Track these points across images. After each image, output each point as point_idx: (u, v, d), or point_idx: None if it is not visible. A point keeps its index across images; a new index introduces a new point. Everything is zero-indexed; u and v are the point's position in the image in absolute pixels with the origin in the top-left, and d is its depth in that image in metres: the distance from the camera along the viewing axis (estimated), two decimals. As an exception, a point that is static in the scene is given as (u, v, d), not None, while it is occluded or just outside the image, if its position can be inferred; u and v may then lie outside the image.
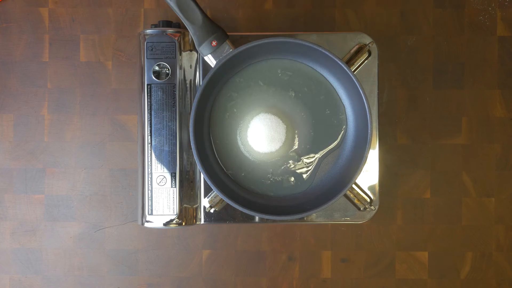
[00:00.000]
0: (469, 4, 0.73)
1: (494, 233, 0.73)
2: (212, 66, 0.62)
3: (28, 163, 0.74)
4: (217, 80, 0.64)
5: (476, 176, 0.73)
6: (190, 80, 0.67)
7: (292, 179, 0.66)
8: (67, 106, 0.74)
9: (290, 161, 0.66)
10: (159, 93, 0.65)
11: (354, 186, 0.66)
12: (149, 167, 0.65)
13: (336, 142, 0.66)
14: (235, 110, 0.66)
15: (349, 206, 0.66)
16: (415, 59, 0.73)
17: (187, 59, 0.66)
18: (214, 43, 0.62)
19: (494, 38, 0.73)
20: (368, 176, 0.66)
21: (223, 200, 0.64)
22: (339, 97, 0.66)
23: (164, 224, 0.65)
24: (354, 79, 0.60)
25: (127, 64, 0.73)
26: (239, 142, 0.66)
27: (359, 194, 0.66)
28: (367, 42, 0.66)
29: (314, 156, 0.66)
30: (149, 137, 0.65)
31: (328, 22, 0.73)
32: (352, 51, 0.66)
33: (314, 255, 0.73)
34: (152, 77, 0.65)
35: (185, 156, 0.66)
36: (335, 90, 0.66)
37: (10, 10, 0.73)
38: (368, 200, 0.66)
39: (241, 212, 0.61)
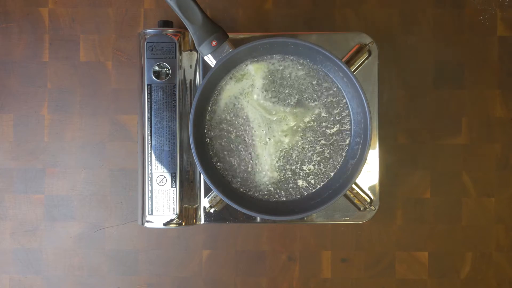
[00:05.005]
0: (469, 4, 0.73)
1: (494, 233, 0.73)
2: (212, 66, 0.62)
3: (28, 163, 0.74)
4: (217, 80, 0.64)
5: (476, 176, 0.73)
6: (190, 80, 0.67)
7: (292, 184, 0.66)
8: (67, 106, 0.74)
9: (290, 164, 0.66)
10: (159, 93, 0.65)
11: (354, 186, 0.66)
12: (149, 167, 0.65)
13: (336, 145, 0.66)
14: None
15: (349, 206, 0.66)
16: (415, 59, 0.73)
17: (187, 59, 0.66)
18: (214, 43, 0.62)
19: (494, 38, 0.73)
20: (368, 176, 0.66)
21: (223, 200, 0.64)
22: (341, 97, 0.66)
23: (164, 224, 0.65)
24: (354, 79, 0.60)
25: (127, 64, 0.73)
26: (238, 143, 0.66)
27: (359, 194, 0.66)
28: (367, 42, 0.66)
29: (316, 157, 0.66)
30: (149, 137, 0.65)
31: (328, 22, 0.73)
32: (352, 51, 0.66)
33: (314, 255, 0.73)
34: (152, 77, 0.65)
35: (185, 156, 0.66)
36: (336, 90, 0.66)
37: (10, 10, 0.73)
38: (368, 200, 0.66)
39: (241, 212, 0.61)
